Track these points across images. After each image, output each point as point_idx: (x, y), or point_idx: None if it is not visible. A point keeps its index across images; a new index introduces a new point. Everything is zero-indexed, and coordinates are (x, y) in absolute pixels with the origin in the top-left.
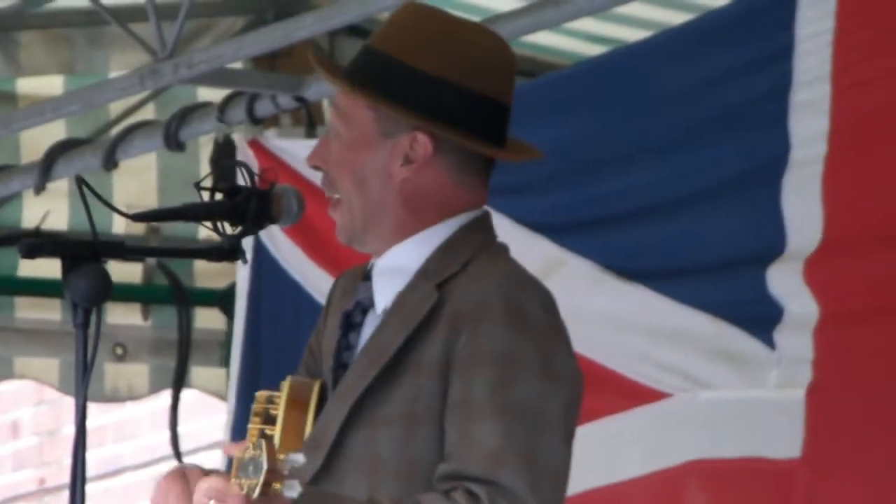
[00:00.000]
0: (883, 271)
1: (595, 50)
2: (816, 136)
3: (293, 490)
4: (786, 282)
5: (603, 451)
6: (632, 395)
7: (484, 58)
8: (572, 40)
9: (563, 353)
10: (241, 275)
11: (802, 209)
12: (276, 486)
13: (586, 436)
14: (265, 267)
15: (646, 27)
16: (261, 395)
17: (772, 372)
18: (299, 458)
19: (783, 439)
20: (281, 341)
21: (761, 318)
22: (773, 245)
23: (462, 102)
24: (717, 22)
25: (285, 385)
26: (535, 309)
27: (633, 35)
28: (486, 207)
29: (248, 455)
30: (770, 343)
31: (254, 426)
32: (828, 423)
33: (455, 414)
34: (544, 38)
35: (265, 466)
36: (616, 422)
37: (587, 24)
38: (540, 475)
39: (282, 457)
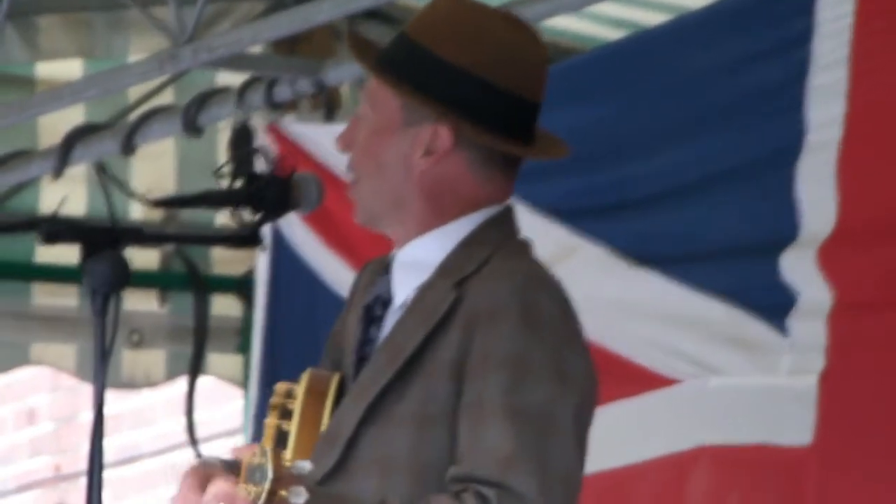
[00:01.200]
0: None
1: (615, 34)
2: (832, 119)
3: (299, 497)
4: (799, 268)
5: (610, 434)
6: (641, 380)
7: (515, 53)
8: (592, 24)
9: (577, 355)
10: (261, 262)
11: (816, 194)
12: (282, 493)
13: (594, 420)
14: (283, 254)
15: (667, 10)
16: (280, 387)
17: (784, 358)
18: (305, 465)
19: (794, 426)
20: (298, 329)
21: (774, 305)
22: (786, 231)
23: (486, 97)
24: (738, 5)
25: (304, 377)
26: (549, 310)
27: (654, 19)
28: (509, 202)
29: (256, 461)
30: (783, 329)
31: (271, 420)
32: (840, 410)
33: (467, 416)
34: (564, 23)
35: (270, 475)
36: (624, 406)
37: (607, 8)
38: (550, 478)
39: (288, 464)
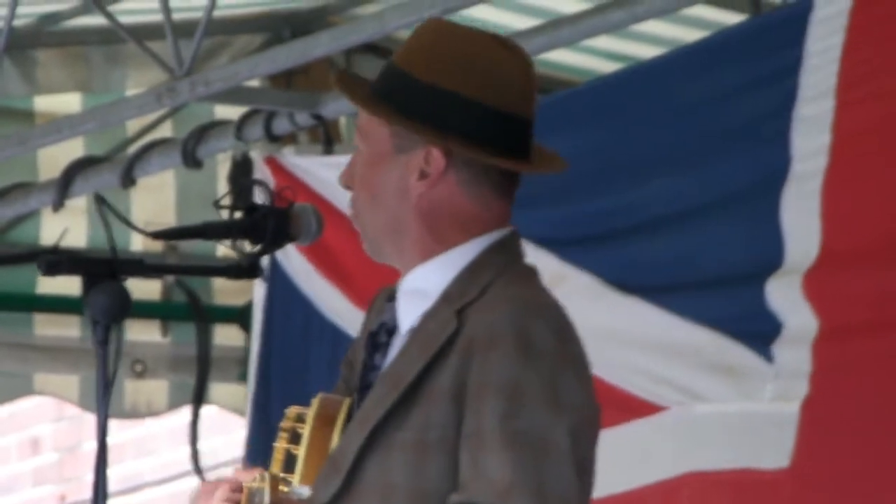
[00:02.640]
0: (882, 286)
1: (611, 67)
2: (818, 150)
3: None
4: (785, 295)
5: (598, 463)
6: (628, 408)
7: (501, 72)
8: (589, 58)
9: (573, 381)
10: (258, 292)
11: (801, 222)
12: None
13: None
14: (279, 284)
15: (662, 45)
16: (291, 411)
17: (768, 385)
18: (304, 491)
19: (773, 450)
20: (291, 357)
21: (760, 332)
22: (772, 258)
23: (475, 116)
24: (731, 39)
25: (315, 402)
26: (545, 336)
27: (649, 52)
28: (513, 227)
29: (256, 486)
30: (768, 357)
31: (280, 444)
32: (819, 434)
33: (466, 445)
34: (560, 56)
35: (267, 500)
36: (611, 434)
37: (603, 42)
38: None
39: (286, 490)
